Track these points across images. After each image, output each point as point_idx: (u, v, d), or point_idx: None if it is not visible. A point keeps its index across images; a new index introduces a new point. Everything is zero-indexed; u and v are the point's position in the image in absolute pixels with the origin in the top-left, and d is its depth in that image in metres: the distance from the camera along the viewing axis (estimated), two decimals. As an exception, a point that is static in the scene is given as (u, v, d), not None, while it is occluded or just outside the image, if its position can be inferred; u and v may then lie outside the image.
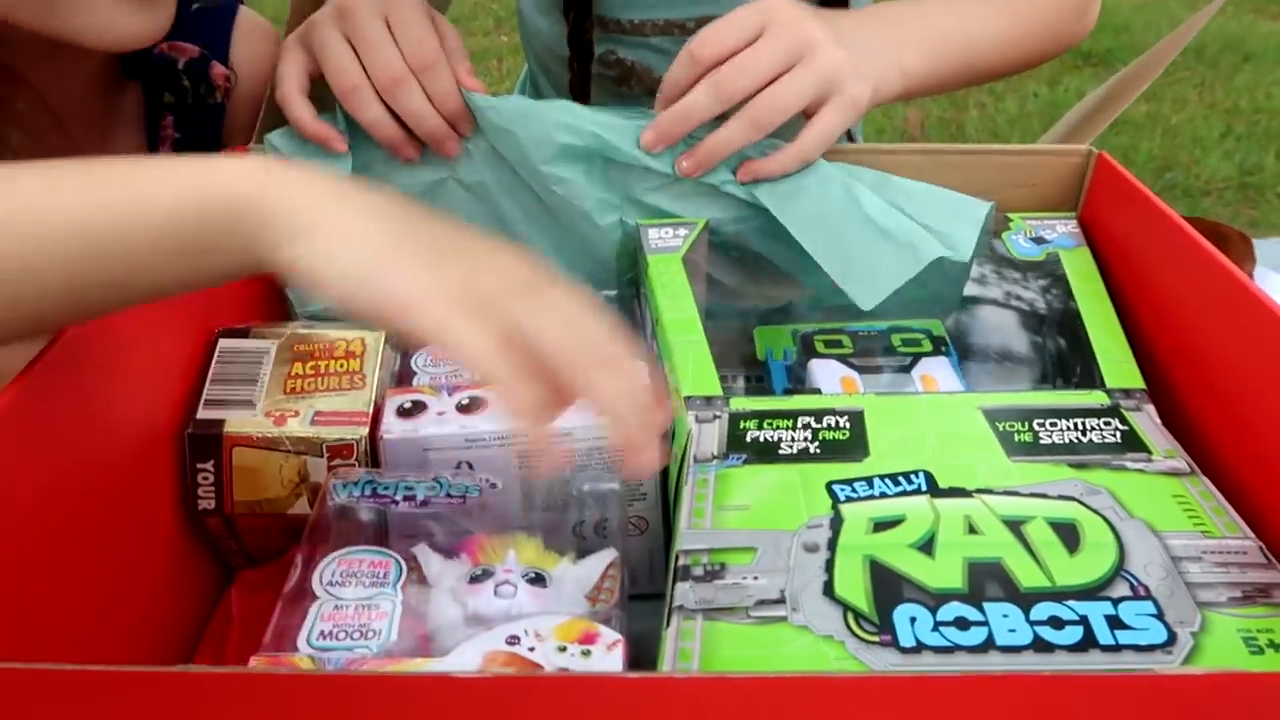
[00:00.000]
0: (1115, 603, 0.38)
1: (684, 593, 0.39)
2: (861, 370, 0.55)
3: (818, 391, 0.53)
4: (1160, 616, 0.37)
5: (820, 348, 0.57)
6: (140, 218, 0.34)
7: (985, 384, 0.56)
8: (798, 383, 0.57)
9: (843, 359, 0.56)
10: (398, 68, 0.56)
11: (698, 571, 0.39)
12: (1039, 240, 0.58)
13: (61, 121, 0.64)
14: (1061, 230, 0.59)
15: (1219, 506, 0.42)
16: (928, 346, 0.57)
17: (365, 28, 0.56)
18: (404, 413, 0.49)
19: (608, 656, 0.37)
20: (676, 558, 0.40)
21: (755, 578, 0.39)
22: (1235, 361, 0.46)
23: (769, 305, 0.64)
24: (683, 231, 0.59)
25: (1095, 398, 0.49)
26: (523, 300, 0.34)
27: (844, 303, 0.55)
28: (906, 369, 0.55)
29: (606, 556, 0.45)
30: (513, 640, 0.38)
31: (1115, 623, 0.37)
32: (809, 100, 0.55)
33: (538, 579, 0.43)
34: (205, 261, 0.35)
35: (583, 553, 0.45)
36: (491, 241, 0.37)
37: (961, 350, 0.58)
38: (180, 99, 0.67)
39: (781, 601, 0.38)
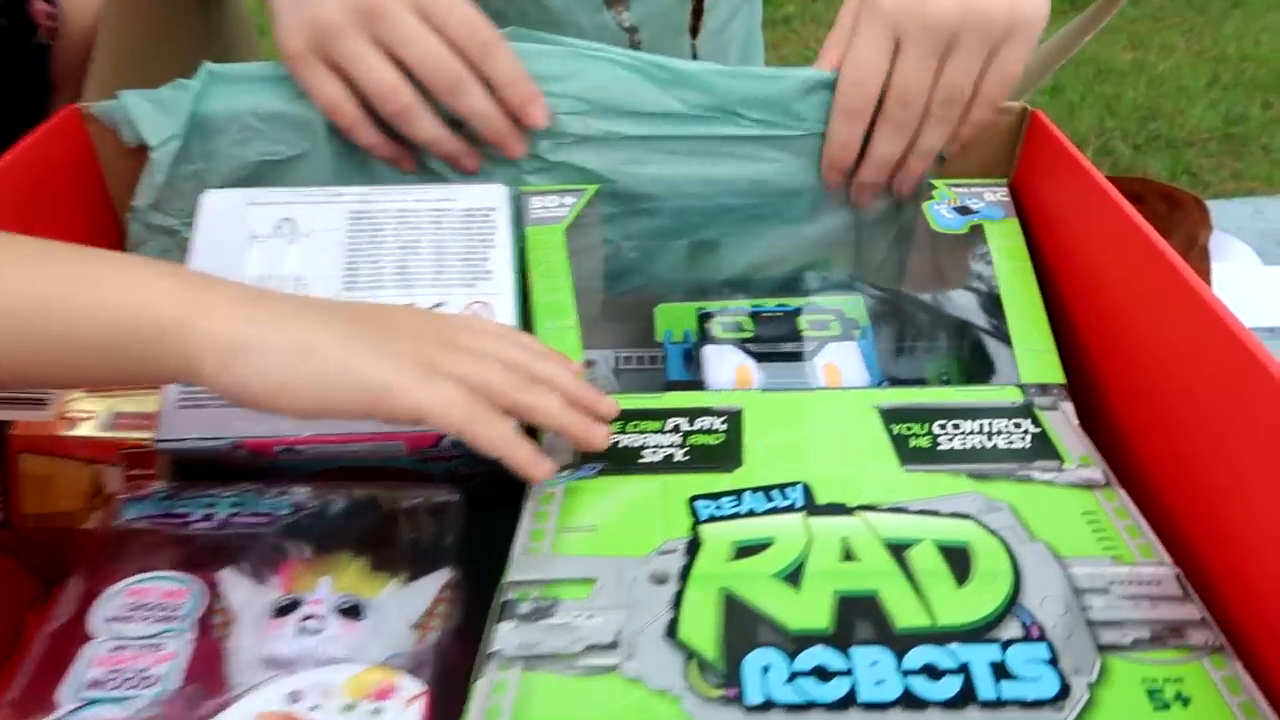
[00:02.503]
0: (1004, 645, 0.32)
1: (504, 635, 0.33)
2: (760, 358, 0.49)
3: (699, 386, 0.47)
4: (1054, 663, 0.32)
5: (717, 331, 0.51)
6: (75, 325, 0.34)
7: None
8: (696, 369, 0.52)
9: (740, 344, 0.50)
10: (454, 68, 0.48)
11: (525, 608, 0.34)
12: (964, 210, 0.52)
13: None
14: (990, 199, 0.53)
15: (1134, 525, 0.37)
16: (836, 330, 0.51)
17: (402, 28, 0.47)
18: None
19: (403, 715, 0.32)
20: (502, 591, 0.35)
21: (590, 616, 0.34)
22: (1164, 354, 0.40)
23: (676, 277, 0.59)
24: (569, 200, 0.53)
25: (1007, 394, 0.43)
26: (457, 349, 0.37)
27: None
28: (810, 356, 0.49)
29: (440, 578, 0.39)
30: (295, 697, 0.32)
31: (1001, 671, 0.32)
32: (979, 71, 0.49)
33: (352, 610, 0.37)
34: (134, 371, 0.35)
35: (418, 573, 0.40)
36: (396, 306, 0.41)
37: (934, 335, 0.52)
38: None
39: (615, 646, 0.32)
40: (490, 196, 0.46)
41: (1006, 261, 0.49)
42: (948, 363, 0.53)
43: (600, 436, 0.39)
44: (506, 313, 0.43)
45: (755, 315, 0.53)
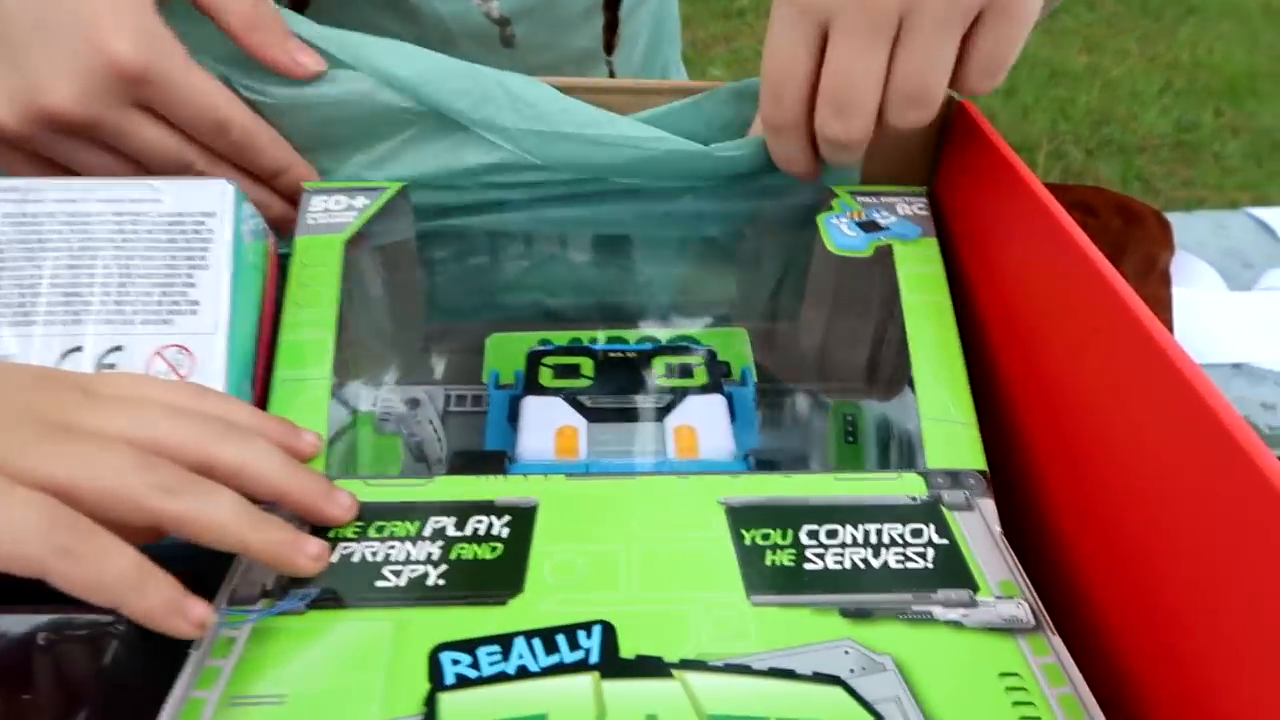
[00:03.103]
0: None
1: None
2: (594, 416, 0.37)
3: (498, 460, 0.35)
4: None
5: (545, 378, 0.39)
6: None
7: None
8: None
9: (572, 396, 0.38)
10: (198, 167, 0.37)
11: (136, 846, 0.22)
12: (869, 226, 0.41)
13: None
14: (903, 212, 0.41)
15: (1072, 697, 0.25)
16: (700, 379, 0.39)
17: (121, 132, 0.34)
18: None
19: None
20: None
21: None
22: (1122, 428, 0.29)
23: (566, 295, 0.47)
24: (360, 202, 0.41)
25: (905, 485, 0.31)
26: (66, 433, 0.25)
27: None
28: (661, 413, 0.38)
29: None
30: None
31: None
32: (951, 58, 0.35)
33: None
34: None
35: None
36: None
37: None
38: None
39: None
40: (207, 198, 0.34)
41: (918, 296, 0.37)
42: (852, 406, 0.42)
43: (303, 560, 0.27)
44: (215, 361, 0.31)
45: (601, 356, 0.41)
